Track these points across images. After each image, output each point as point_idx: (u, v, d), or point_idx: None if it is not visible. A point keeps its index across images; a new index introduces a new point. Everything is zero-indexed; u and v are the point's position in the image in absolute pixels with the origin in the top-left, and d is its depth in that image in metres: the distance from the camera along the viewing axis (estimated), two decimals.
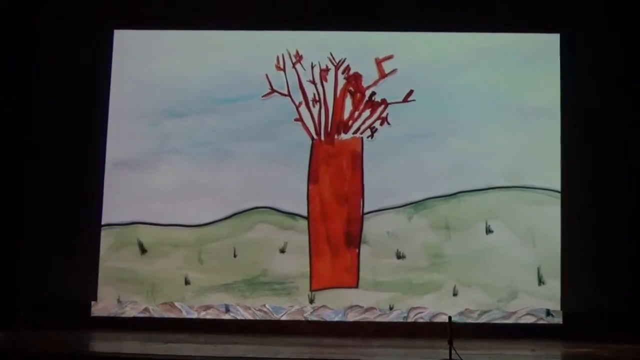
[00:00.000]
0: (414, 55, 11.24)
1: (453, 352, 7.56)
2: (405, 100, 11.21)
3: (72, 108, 11.24)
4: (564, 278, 10.84)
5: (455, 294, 10.95)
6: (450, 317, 7.91)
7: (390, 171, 11.15)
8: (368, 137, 11.22)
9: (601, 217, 10.82)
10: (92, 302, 11.10)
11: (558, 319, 10.89)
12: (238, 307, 11.09)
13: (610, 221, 10.81)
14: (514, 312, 10.92)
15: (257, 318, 11.07)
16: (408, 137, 11.19)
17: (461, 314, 10.87)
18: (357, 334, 10.74)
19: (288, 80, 11.32)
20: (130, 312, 11.12)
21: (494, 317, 10.92)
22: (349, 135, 11.25)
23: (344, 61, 11.30)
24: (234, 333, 10.64)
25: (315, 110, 11.28)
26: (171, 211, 11.21)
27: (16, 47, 11.22)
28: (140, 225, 11.23)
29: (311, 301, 11.04)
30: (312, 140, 11.25)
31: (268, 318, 11.05)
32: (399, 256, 11.04)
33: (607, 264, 10.73)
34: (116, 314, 11.11)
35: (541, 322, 10.90)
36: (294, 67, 11.34)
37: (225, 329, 10.85)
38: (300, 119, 11.28)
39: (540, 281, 10.90)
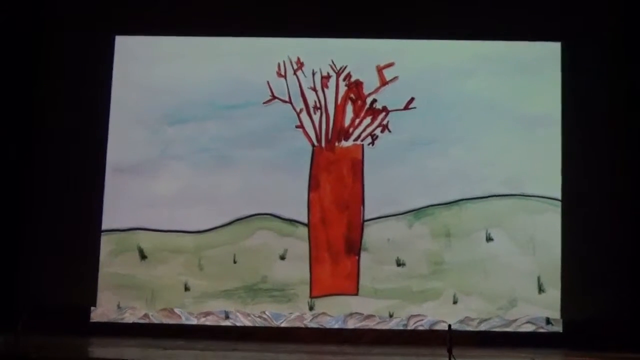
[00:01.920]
0: (415, 63, 11.25)
1: None
2: (406, 107, 11.21)
3: (74, 114, 11.24)
4: (564, 286, 10.83)
5: (455, 302, 10.94)
6: (450, 325, 7.90)
7: (391, 178, 11.15)
8: (369, 144, 11.22)
9: (602, 226, 10.81)
10: (92, 308, 11.10)
11: (558, 328, 10.88)
12: (238, 313, 11.08)
13: (610, 230, 10.80)
14: (514, 321, 10.90)
15: (257, 325, 11.06)
16: (409, 145, 11.19)
17: (461, 322, 10.86)
18: (357, 341, 10.73)
19: (289, 87, 11.33)
20: (129, 318, 11.12)
21: (494, 325, 10.91)
22: (350, 142, 11.25)
23: (345, 68, 11.30)
24: (233, 340, 10.63)
25: (316, 117, 11.29)
26: (171, 217, 11.20)
27: (18, 53, 11.23)
28: (140, 231, 11.23)
29: (311, 308, 11.04)
30: (313, 147, 11.26)
31: (268, 325, 11.04)
32: (399, 263, 11.03)
33: (607, 273, 10.72)
34: (116, 320, 11.10)
35: (541, 330, 10.89)
36: (295, 74, 11.35)
37: (224, 335, 10.83)
38: (301, 126, 11.29)
39: (541, 289, 10.90)
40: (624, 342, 10.14)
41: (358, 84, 11.31)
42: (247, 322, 11.07)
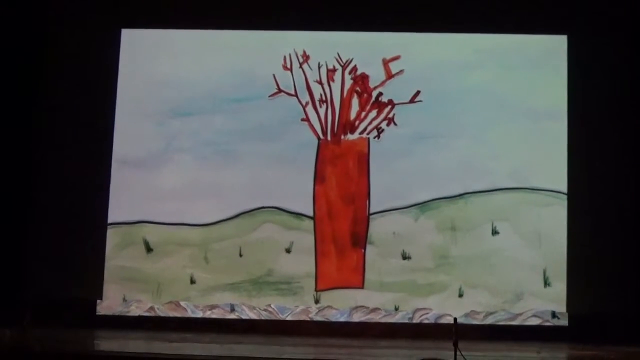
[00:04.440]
0: (421, 56, 11.24)
1: (458, 353, 7.54)
2: (412, 101, 11.20)
3: (80, 107, 11.25)
4: (570, 280, 10.82)
5: (460, 295, 10.94)
6: (455, 319, 7.90)
7: (397, 172, 11.14)
8: (374, 137, 11.21)
9: (607, 219, 10.80)
10: (98, 301, 11.12)
11: (564, 321, 10.87)
12: (243, 306, 11.09)
13: (616, 223, 10.79)
14: (520, 314, 10.90)
15: (263, 318, 11.07)
16: (415, 138, 11.18)
17: (467, 315, 10.86)
18: (363, 335, 10.74)
19: (295, 81, 11.32)
20: (135, 311, 11.13)
21: (500, 318, 10.91)
22: (356, 135, 11.25)
23: (351, 61, 11.30)
24: (239, 333, 10.65)
25: (321, 111, 11.29)
26: (177, 210, 11.21)
27: (24, 47, 11.23)
28: (146, 224, 11.24)
29: (316, 301, 11.05)
30: (319, 141, 11.26)
31: (273, 318, 11.06)
32: (405, 257, 11.03)
33: (613, 266, 10.71)
34: (121, 313, 11.12)
35: (547, 324, 10.88)
36: (300, 67, 11.34)
37: (230, 328, 10.85)
38: (306, 119, 11.28)
39: (546, 283, 10.89)
40: (630, 336, 10.13)
41: (364, 77, 11.30)
42: (252, 315, 11.09)
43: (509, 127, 11.12)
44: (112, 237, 11.20)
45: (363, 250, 11.08)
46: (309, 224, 11.15)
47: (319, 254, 11.10)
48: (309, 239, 11.13)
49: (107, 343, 9.56)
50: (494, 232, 11.00)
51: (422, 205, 11.10)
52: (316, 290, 11.06)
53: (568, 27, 11.17)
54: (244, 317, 11.09)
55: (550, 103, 11.10)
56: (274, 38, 11.40)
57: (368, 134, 11.23)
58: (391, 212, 11.11)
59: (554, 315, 10.89)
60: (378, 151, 11.20)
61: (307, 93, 11.31)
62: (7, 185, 11.02)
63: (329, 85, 11.30)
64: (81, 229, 11.09)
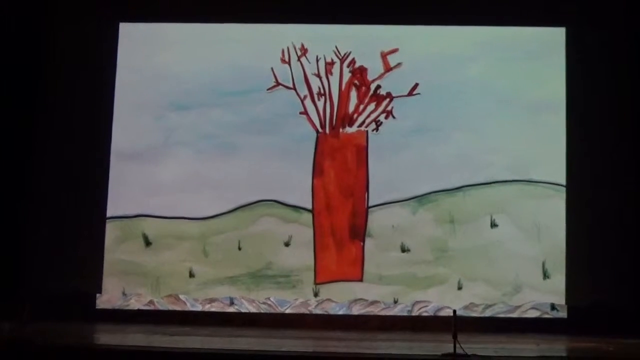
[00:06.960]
0: (419, 49, 11.23)
1: (457, 345, 7.56)
2: (410, 93, 11.20)
3: (78, 101, 11.26)
4: (569, 272, 10.83)
5: (459, 288, 10.95)
6: (454, 311, 7.92)
7: (395, 165, 11.14)
8: (373, 130, 11.21)
9: (606, 211, 10.79)
10: (97, 295, 11.13)
11: (563, 313, 10.88)
12: (242, 300, 11.10)
13: (615, 215, 10.79)
14: (519, 306, 10.91)
15: (262, 311, 11.08)
16: (413, 131, 11.18)
17: (466, 307, 10.87)
18: (362, 328, 10.74)
19: (293, 74, 11.32)
20: (134, 304, 11.14)
21: (499, 311, 10.92)
22: (354, 128, 11.25)
23: (349, 54, 11.29)
24: (238, 326, 10.66)
25: (320, 104, 11.28)
26: (176, 204, 11.22)
27: (22, 41, 11.22)
28: (145, 217, 11.25)
29: (315, 294, 11.05)
30: (317, 134, 11.25)
31: (272, 311, 11.06)
32: (404, 250, 11.04)
33: (612, 259, 10.71)
34: (121, 306, 11.13)
35: (546, 316, 10.89)
36: (299, 60, 11.34)
37: (229, 321, 10.86)
38: (305, 112, 11.28)
39: (545, 275, 10.90)
40: (629, 328, 10.13)
41: (362, 70, 11.30)
42: (251, 309, 11.09)
43: (507, 120, 11.12)
44: (111, 230, 11.22)
45: (362, 243, 11.09)
46: (308, 217, 11.15)
47: (318, 247, 11.11)
48: (308, 232, 11.13)
49: (106, 336, 9.55)
50: (493, 225, 11.00)
51: (421, 198, 11.11)
52: (315, 284, 11.07)
53: (566, 19, 11.16)
54: (243, 310, 11.10)
55: (548, 95, 11.10)
56: (272, 31, 11.39)
57: (366, 126, 11.23)
58: (390, 205, 11.11)
59: (553, 307, 10.90)
60: (376, 144, 11.20)
61: (305, 86, 11.31)
62: (7, 179, 11.01)
63: (327, 79, 11.30)
64: (80, 222, 11.10)
